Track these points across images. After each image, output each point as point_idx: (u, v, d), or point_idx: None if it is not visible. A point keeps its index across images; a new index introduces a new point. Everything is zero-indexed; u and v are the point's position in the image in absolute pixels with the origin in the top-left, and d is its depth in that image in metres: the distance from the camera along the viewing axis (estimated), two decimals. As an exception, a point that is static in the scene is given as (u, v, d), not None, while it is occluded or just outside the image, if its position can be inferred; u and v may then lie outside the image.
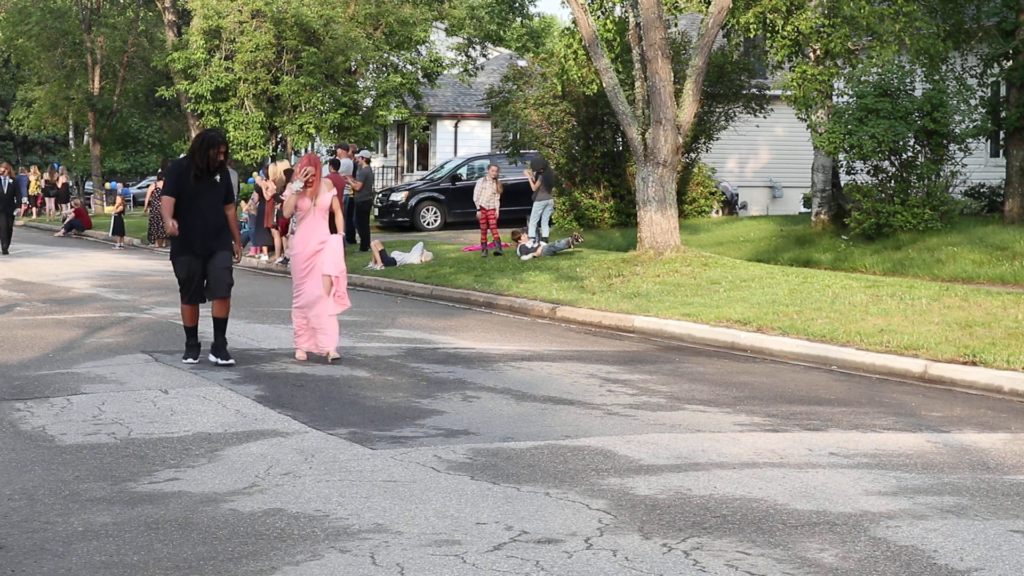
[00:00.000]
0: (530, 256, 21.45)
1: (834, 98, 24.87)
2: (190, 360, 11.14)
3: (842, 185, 25.56)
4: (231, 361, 11.07)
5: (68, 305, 16.50)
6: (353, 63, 35.73)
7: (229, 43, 35.01)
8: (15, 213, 31.37)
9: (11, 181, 29.12)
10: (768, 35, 24.59)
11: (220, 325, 11.22)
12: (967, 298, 14.36)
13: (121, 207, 34.46)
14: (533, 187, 24.38)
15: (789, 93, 24.70)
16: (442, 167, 38.13)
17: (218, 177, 11.16)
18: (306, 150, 44.10)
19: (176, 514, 6.15)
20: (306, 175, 11.77)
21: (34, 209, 46.70)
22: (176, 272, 11.27)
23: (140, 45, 48.17)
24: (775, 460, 7.55)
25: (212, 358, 11.09)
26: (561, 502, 6.43)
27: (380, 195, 35.06)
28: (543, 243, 22.55)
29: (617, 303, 15.99)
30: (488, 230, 23.35)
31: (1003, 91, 24.81)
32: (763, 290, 16.12)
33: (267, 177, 26.21)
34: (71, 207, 40.00)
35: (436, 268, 21.42)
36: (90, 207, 46.51)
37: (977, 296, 14.48)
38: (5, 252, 27.69)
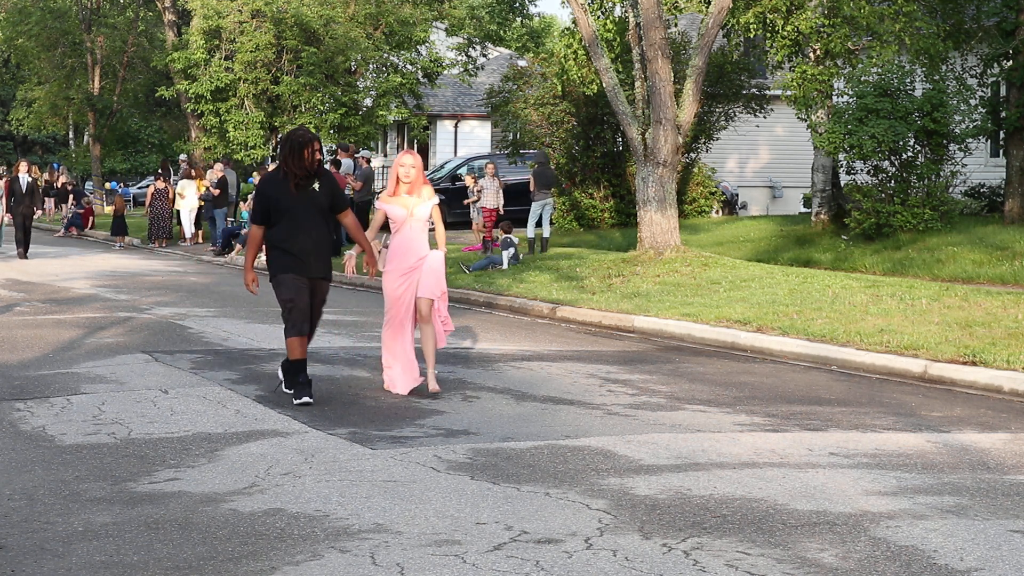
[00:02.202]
0: (511, 251, 21.19)
1: (834, 98, 24.87)
2: (305, 399, 9.15)
3: (842, 185, 25.57)
4: (308, 400, 9.21)
5: (68, 305, 16.50)
6: (353, 63, 35.73)
7: (229, 43, 35.01)
8: (35, 215, 28.95)
9: (31, 180, 27.13)
10: (768, 35, 24.60)
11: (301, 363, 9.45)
12: (967, 298, 14.36)
13: (122, 207, 34.49)
14: (531, 186, 24.36)
15: (789, 93, 24.71)
16: (442, 167, 38.14)
17: (317, 184, 9.35)
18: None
19: (176, 514, 6.15)
20: (407, 176, 9.74)
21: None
22: (280, 296, 9.30)
23: (140, 45, 48.20)
24: (775, 460, 7.55)
25: (285, 388, 9.51)
26: (561, 502, 6.43)
27: (380, 194, 35.05)
28: (511, 250, 21.44)
29: (617, 303, 15.99)
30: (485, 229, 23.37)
31: (1003, 91, 24.81)
32: (763, 290, 16.12)
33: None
34: (83, 206, 39.98)
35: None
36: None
37: (977, 296, 14.48)
38: (24, 256, 26.00)
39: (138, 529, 5.88)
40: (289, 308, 9.29)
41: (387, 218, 9.91)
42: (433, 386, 9.76)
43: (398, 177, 9.76)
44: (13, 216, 26.40)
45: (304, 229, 9.28)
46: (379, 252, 10.05)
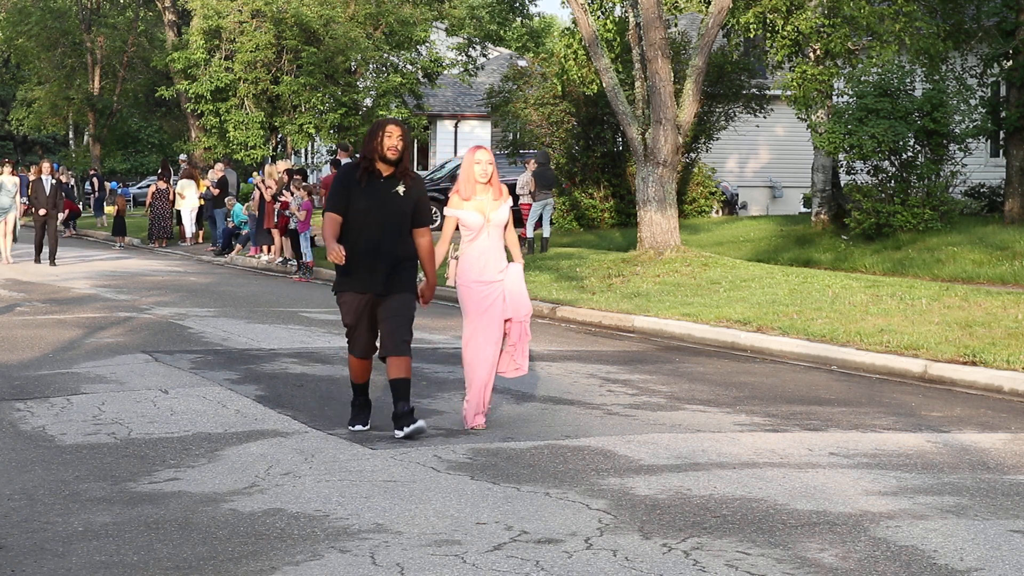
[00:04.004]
0: None
1: (834, 98, 24.88)
2: (358, 427, 8.28)
3: (842, 185, 25.58)
4: (420, 424, 8.08)
5: (68, 305, 16.49)
6: (353, 63, 35.74)
7: (229, 43, 35.02)
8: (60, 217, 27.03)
9: (54, 182, 25.25)
10: (768, 35, 24.61)
11: (400, 388, 8.12)
12: (967, 298, 14.36)
13: (123, 207, 34.50)
14: (531, 186, 24.36)
15: (789, 93, 24.72)
16: (442, 167, 38.14)
17: (401, 188, 8.07)
18: (306, 150, 44.18)
19: (176, 514, 6.15)
20: (484, 174, 8.43)
21: (32, 210, 46.72)
22: (343, 316, 8.25)
23: (140, 45, 48.21)
24: (775, 460, 7.55)
25: (397, 433, 8.04)
26: (561, 502, 6.42)
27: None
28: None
29: (617, 303, 15.99)
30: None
31: (1003, 91, 24.82)
32: (763, 290, 16.12)
33: (263, 175, 26.22)
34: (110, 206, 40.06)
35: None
36: (89, 207, 46.52)
37: (977, 296, 14.48)
38: (51, 263, 24.13)
39: (138, 529, 5.88)
40: (350, 332, 8.24)
41: (459, 227, 8.53)
42: (474, 422, 8.47)
43: (471, 176, 8.41)
44: (35, 220, 24.93)
45: (372, 234, 8.01)
46: (454, 262, 8.66)
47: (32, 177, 26.72)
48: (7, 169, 25.40)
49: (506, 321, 8.45)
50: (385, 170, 8.05)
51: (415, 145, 46.06)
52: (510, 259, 8.62)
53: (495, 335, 8.41)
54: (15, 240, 25.05)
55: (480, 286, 8.36)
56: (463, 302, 8.47)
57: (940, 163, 22.10)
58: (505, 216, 8.45)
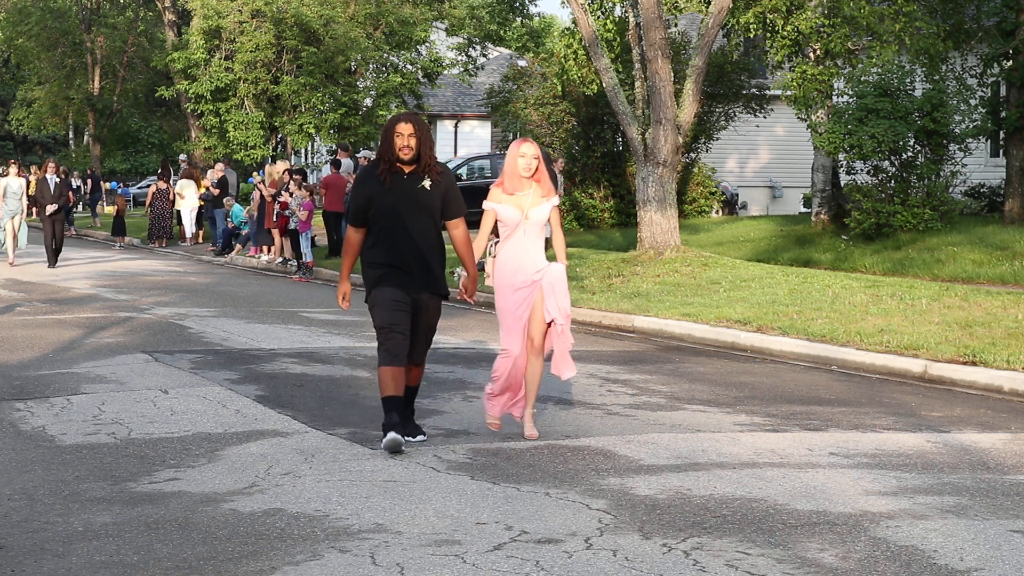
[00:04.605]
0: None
1: (834, 98, 24.88)
2: (392, 435, 7.51)
3: (842, 185, 25.58)
4: (423, 437, 7.93)
5: (68, 305, 16.49)
6: (353, 63, 35.74)
7: (229, 43, 35.03)
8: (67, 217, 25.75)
9: (58, 180, 24.37)
10: (768, 35, 24.61)
11: (410, 395, 7.97)
12: (967, 298, 14.36)
13: (122, 207, 34.50)
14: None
15: (789, 93, 24.73)
16: (442, 167, 38.09)
17: (428, 182, 7.67)
18: (306, 150, 44.16)
19: (176, 514, 6.15)
20: (528, 168, 8.00)
21: (34, 209, 46.72)
22: (374, 319, 7.75)
23: (140, 45, 48.24)
24: (775, 460, 7.55)
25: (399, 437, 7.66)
26: (561, 502, 6.42)
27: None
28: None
29: (617, 303, 15.99)
30: None
31: (1003, 91, 24.83)
32: (763, 290, 16.12)
33: (263, 175, 26.22)
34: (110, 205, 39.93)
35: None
36: (87, 206, 46.53)
37: (977, 296, 14.48)
38: (52, 265, 23.61)
39: (138, 529, 5.88)
40: (385, 335, 7.61)
41: (497, 221, 8.13)
42: (530, 431, 8.06)
43: (514, 170, 8.00)
44: (43, 221, 24.05)
45: (404, 234, 7.65)
46: (491, 260, 8.25)
47: (33, 177, 26.25)
48: (13, 170, 24.73)
49: (549, 324, 8.04)
50: (407, 167, 7.66)
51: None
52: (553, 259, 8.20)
53: (538, 335, 8.03)
54: (17, 245, 24.12)
55: (512, 292, 7.99)
56: (497, 309, 8.14)
57: (940, 163, 22.10)
58: (545, 215, 8.02)
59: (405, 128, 7.58)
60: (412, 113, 7.83)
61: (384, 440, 7.49)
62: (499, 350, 8.20)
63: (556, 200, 8.12)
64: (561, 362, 8.14)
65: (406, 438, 7.64)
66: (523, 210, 7.98)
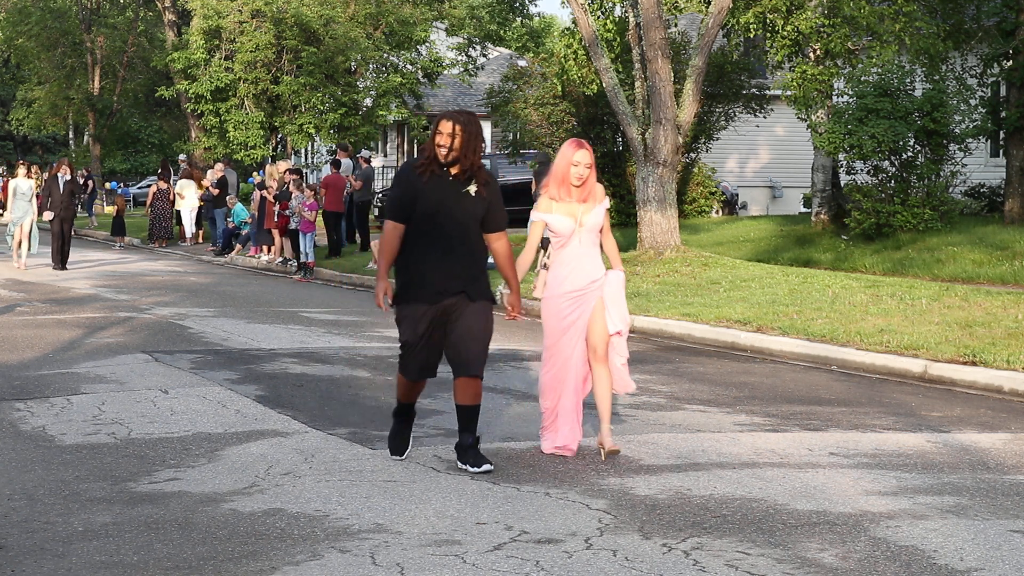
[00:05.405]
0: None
1: (834, 98, 24.89)
2: (396, 457, 7.36)
3: (842, 185, 25.58)
4: (489, 467, 7.10)
5: (68, 305, 16.49)
6: (353, 63, 35.75)
7: (229, 43, 35.04)
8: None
9: (68, 179, 23.64)
10: (768, 35, 24.61)
11: (468, 416, 7.24)
12: (967, 298, 14.36)
13: (122, 207, 34.51)
14: (533, 187, 24.36)
15: (789, 93, 24.72)
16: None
17: (473, 187, 7.05)
18: (306, 150, 44.16)
19: (176, 514, 6.15)
20: (579, 177, 7.46)
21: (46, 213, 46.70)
22: (401, 333, 7.20)
23: (140, 45, 48.26)
24: (775, 460, 7.55)
25: (460, 464, 7.19)
26: (561, 502, 6.43)
27: (380, 195, 35.09)
28: None
29: (617, 303, 15.97)
30: None
31: (1003, 91, 24.83)
32: (763, 290, 16.12)
33: (264, 175, 26.21)
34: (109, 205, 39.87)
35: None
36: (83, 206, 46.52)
37: (977, 296, 14.48)
38: (63, 267, 23.20)
39: (138, 529, 5.88)
40: (407, 352, 7.17)
41: (547, 231, 7.62)
42: (610, 444, 7.54)
43: (566, 177, 7.49)
44: (51, 222, 23.28)
45: (443, 239, 7.03)
46: (542, 270, 7.74)
47: (32, 177, 25.84)
48: (22, 171, 23.96)
49: (593, 333, 7.59)
50: (452, 168, 7.02)
51: (415, 145, 45.98)
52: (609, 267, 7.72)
53: (579, 356, 7.60)
54: (29, 249, 23.41)
55: (565, 300, 7.51)
56: (543, 317, 7.69)
57: (940, 163, 22.10)
58: (599, 219, 7.53)
59: (446, 127, 6.95)
60: (460, 111, 7.17)
61: (393, 454, 7.41)
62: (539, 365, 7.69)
63: (607, 203, 7.64)
64: (619, 377, 7.72)
65: (469, 467, 7.08)
66: (576, 218, 7.48)
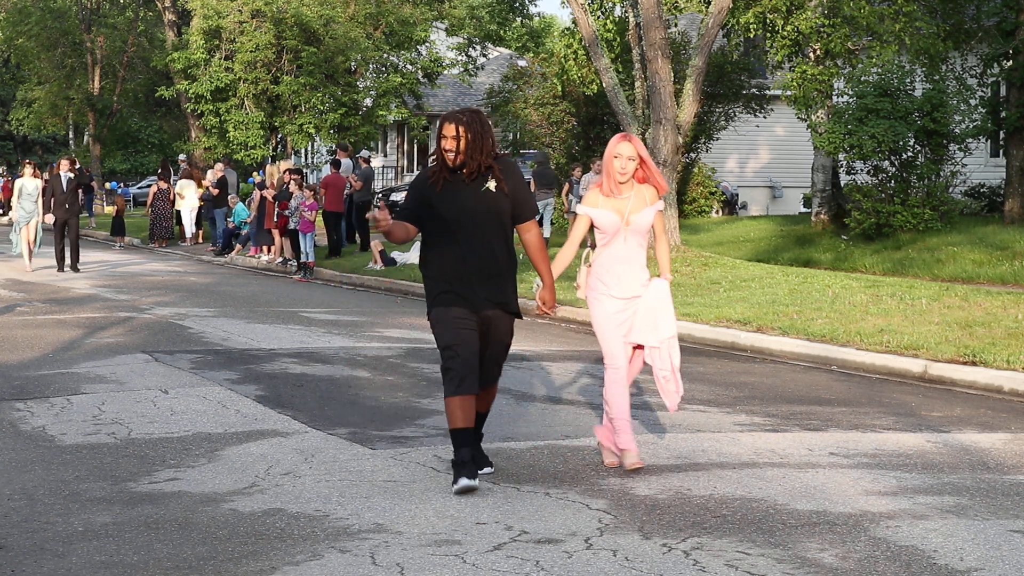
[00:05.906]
0: None
1: (834, 98, 24.89)
2: (463, 482, 6.53)
3: (842, 185, 25.60)
4: (490, 469, 7.03)
5: (68, 305, 16.49)
6: (353, 63, 35.74)
7: (229, 43, 35.03)
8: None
9: (72, 176, 22.94)
10: (768, 35, 24.63)
11: (478, 422, 7.04)
12: (967, 298, 14.36)
13: (122, 207, 34.51)
14: (533, 187, 24.38)
15: (789, 93, 24.75)
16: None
17: (492, 183, 6.70)
18: (306, 150, 44.15)
19: (176, 514, 6.15)
20: (623, 170, 7.07)
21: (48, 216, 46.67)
22: (437, 340, 6.77)
23: (140, 45, 48.25)
24: (775, 460, 7.55)
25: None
26: (561, 502, 6.42)
27: (380, 195, 35.09)
28: None
29: (617, 303, 15.97)
30: None
31: (1003, 91, 24.84)
32: (763, 290, 16.12)
33: (264, 175, 26.21)
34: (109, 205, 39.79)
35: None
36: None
37: (977, 296, 14.48)
38: (74, 269, 22.61)
39: (138, 529, 5.88)
40: (449, 357, 6.68)
41: (592, 227, 7.24)
42: (632, 461, 7.14)
43: (611, 170, 7.08)
44: (54, 222, 22.66)
45: (467, 246, 6.71)
46: (585, 269, 7.39)
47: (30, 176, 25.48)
48: (28, 171, 23.46)
49: (636, 348, 7.25)
50: (464, 170, 6.72)
51: (415, 145, 46.00)
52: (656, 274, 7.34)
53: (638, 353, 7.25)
54: (37, 246, 23.03)
55: (616, 300, 7.16)
56: (594, 319, 7.32)
57: (940, 163, 22.12)
58: (648, 221, 7.09)
59: (449, 130, 6.66)
60: (463, 110, 6.80)
61: (455, 486, 6.53)
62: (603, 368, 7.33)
63: (661, 205, 7.22)
64: (667, 393, 7.34)
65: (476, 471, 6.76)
66: (623, 215, 7.07)
